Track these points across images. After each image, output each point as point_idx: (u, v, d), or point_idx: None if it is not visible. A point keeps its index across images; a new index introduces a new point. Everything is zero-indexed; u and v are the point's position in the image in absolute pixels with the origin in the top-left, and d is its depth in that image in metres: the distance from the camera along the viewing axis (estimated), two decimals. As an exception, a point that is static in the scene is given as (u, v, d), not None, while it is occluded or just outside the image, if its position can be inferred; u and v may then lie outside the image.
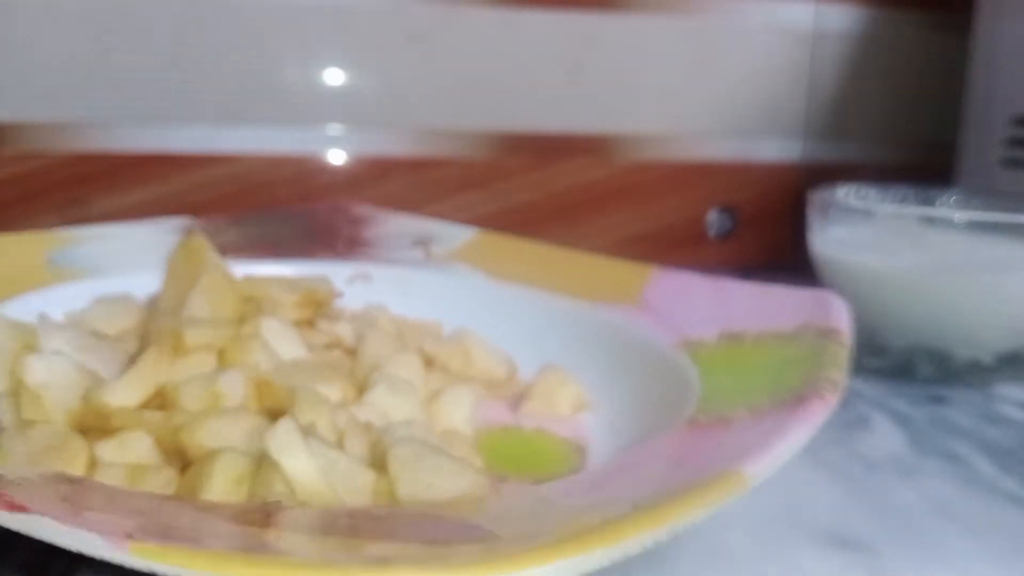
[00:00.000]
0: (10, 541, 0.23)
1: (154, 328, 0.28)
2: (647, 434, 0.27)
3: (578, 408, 0.33)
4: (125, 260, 0.37)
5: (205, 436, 0.24)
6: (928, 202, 0.44)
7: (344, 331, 0.33)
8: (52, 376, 0.25)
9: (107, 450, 0.24)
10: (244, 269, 0.34)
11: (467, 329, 0.36)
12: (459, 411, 0.30)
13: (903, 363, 0.39)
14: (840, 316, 0.29)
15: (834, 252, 0.40)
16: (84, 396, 0.25)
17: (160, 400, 0.26)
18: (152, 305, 0.33)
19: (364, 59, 0.55)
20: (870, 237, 0.39)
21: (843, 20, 0.60)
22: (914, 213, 0.38)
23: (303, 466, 0.22)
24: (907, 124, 0.63)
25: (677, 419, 0.26)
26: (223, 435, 0.24)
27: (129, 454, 0.24)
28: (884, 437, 0.33)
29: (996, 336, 0.38)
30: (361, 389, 0.29)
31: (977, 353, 0.38)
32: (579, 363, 0.34)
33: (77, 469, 0.23)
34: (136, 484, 0.23)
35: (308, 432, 0.23)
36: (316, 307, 0.33)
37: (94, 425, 0.25)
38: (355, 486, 0.23)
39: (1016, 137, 0.50)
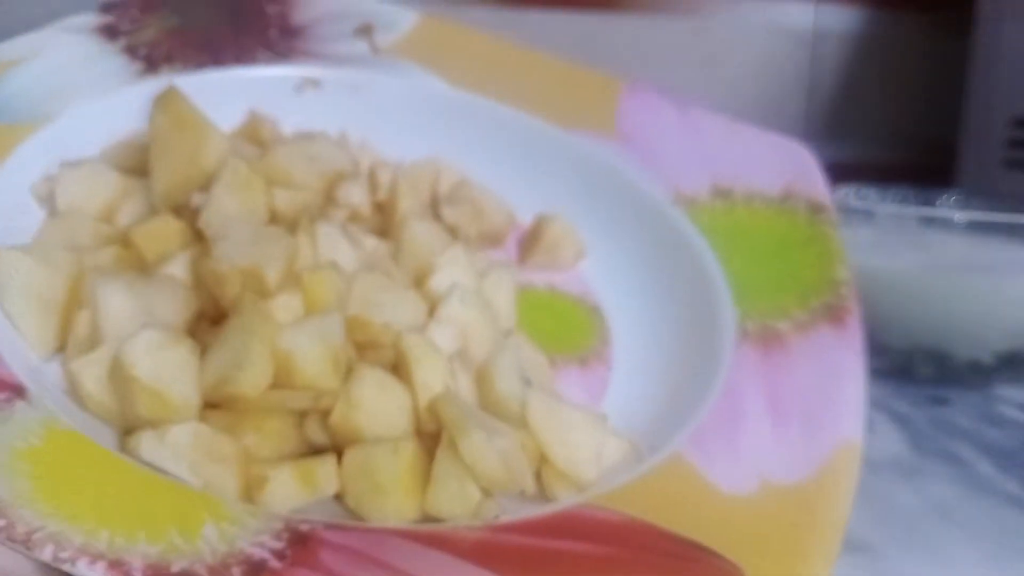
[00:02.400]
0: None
1: (216, 269, 0.25)
2: (664, 304, 0.31)
3: (578, 257, 0.33)
4: (50, 90, 0.32)
5: (363, 420, 0.24)
6: (928, 202, 0.44)
7: (361, 201, 0.31)
8: (159, 363, 0.23)
9: (253, 441, 0.23)
10: (190, 84, 0.30)
11: (466, 181, 0.35)
12: (502, 295, 0.30)
13: (903, 363, 0.39)
14: (820, 182, 0.32)
15: (834, 253, 0.40)
16: (215, 387, 0.23)
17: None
18: (133, 177, 0.30)
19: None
20: (870, 238, 0.39)
21: (843, 20, 0.60)
22: (914, 213, 0.38)
23: (493, 466, 0.23)
24: (907, 124, 0.63)
25: (708, 308, 0.29)
26: (379, 417, 0.24)
27: (275, 444, 0.24)
28: (885, 438, 0.33)
29: (996, 337, 0.38)
30: (419, 284, 0.29)
31: (977, 354, 0.38)
32: (570, 205, 0.34)
33: (232, 474, 0.23)
34: (310, 488, 0.23)
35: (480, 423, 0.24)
36: (338, 182, 0.32)
37: (219, 405, 0.24)
38: (517, 457, 0.24)
39: (1016, 138, 0.50)
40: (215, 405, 0.24)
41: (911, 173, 0.62)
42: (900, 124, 0.62)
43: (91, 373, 0.23)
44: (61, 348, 0.25)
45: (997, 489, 0.29)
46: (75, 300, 0.25)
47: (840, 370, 0.26)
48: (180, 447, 0.22)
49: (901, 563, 0.24)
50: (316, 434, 0.25)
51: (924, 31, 0.61)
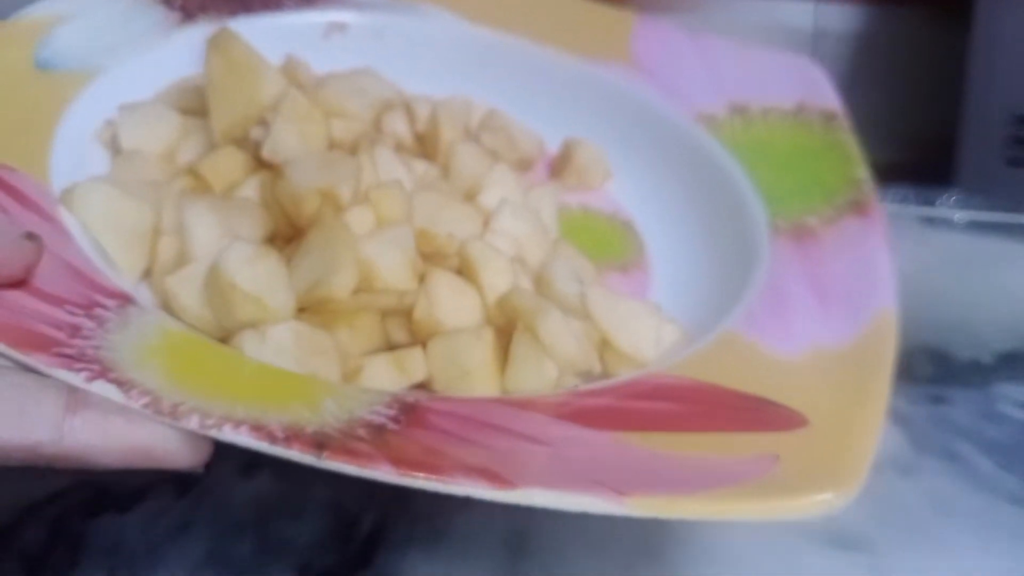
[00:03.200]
0: (10, 535, 0.23)
1: (294, 190, 0.27)
2: (695, 214, 0.33)
3: (606, 177, 0.35)
4: (98, 42, 0.33)
5: (442, 315, 0.26)
6: (928, 202, 0.44)
7: (403, 130, 0.34)
8: (254, 272, 0.25)
9: (343, 338, 0.25)
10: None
11: (497, 111, 0.36)
12: (546, 209, 0.33)
13: (903, 363, 0.39)
14: (831, 93, 0.34)
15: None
16: (308, 291, 0.25)
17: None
18: (191, 117, 0.31)
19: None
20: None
21: (843, 19, 0.60)
22: (914, 212, 0.38)
23: (569, 345, 0.26)
24: (907, 123, 0.62)
25: (737, 210, 0.31)
26: (455, 313, 0.27)
27: (364, 339, 0.26)
28: (884, 436, 0.33)
29: (996, 335, 0.38)
30: (469, 201, 0.31)
31: (977, 352, 0.38)
32: (593, 131, 0.36)
33: (334, 364, 0.24)
34: (402, 374, 0.25)
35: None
36: (384, 112, 0.34)
37: (313, 310, 0.26)
38: (586, 339, 0.27)
39: (1017, 136, 0.50)
40: (303, 309, 0.25)
41: (911, 172, 0.62)
42: (900, 123, 0.62)
43: (186, 287, 0.25)
44: (146, 273, 0.27)
45: (996, 486, 0.29)
46: (157, 227, 0.27)
47: (869, 250, 0.29)
48: (283, 344, 0.24)
49: (900, 560, 0.24)
50: (397, 332, 0.27)
51: (924, 29, 0.61)
